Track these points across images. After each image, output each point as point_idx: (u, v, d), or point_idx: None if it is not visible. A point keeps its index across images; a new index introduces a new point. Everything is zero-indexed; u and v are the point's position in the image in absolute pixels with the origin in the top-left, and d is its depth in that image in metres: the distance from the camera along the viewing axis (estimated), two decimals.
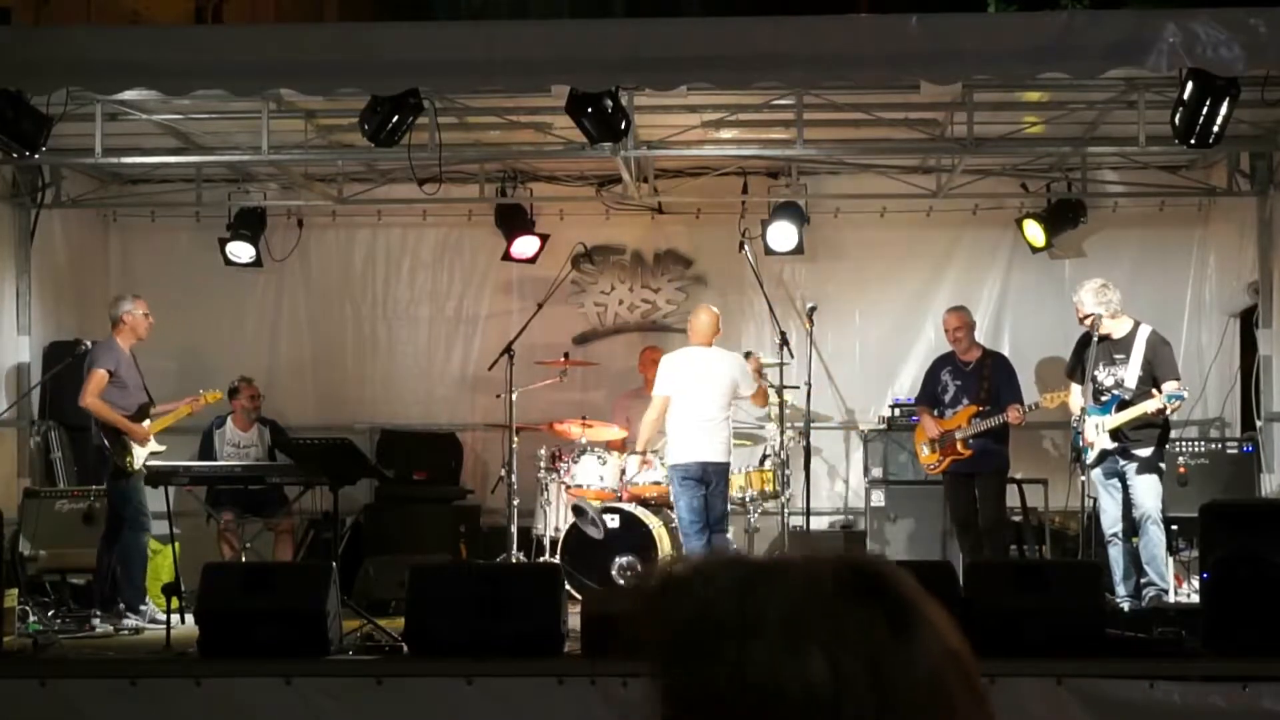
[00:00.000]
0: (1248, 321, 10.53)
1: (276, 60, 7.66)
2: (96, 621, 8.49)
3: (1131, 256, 10.91)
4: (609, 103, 7.68)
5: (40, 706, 6.50)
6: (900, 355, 11.16)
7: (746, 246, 10.17)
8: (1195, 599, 7.99)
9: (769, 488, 9.86)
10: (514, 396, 9.55)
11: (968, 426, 9.27)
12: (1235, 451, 9.84)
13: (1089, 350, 8.48)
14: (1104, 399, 8.36)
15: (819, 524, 10.40)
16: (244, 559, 9.45)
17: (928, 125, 9.39)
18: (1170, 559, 8.54)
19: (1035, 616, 6.58)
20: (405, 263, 11.56)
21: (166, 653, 7.19)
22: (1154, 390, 8.28)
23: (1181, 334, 10.59)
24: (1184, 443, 9.82)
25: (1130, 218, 11.07)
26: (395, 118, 7.70)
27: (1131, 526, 8.31)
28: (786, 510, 9.86)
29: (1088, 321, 8.46)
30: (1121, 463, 8.30)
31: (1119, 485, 8.34)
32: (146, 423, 9.01)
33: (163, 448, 9.09)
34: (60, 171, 10.62)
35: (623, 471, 9.73)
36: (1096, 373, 8.42)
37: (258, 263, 11.04)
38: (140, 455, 8.87)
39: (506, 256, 11.01)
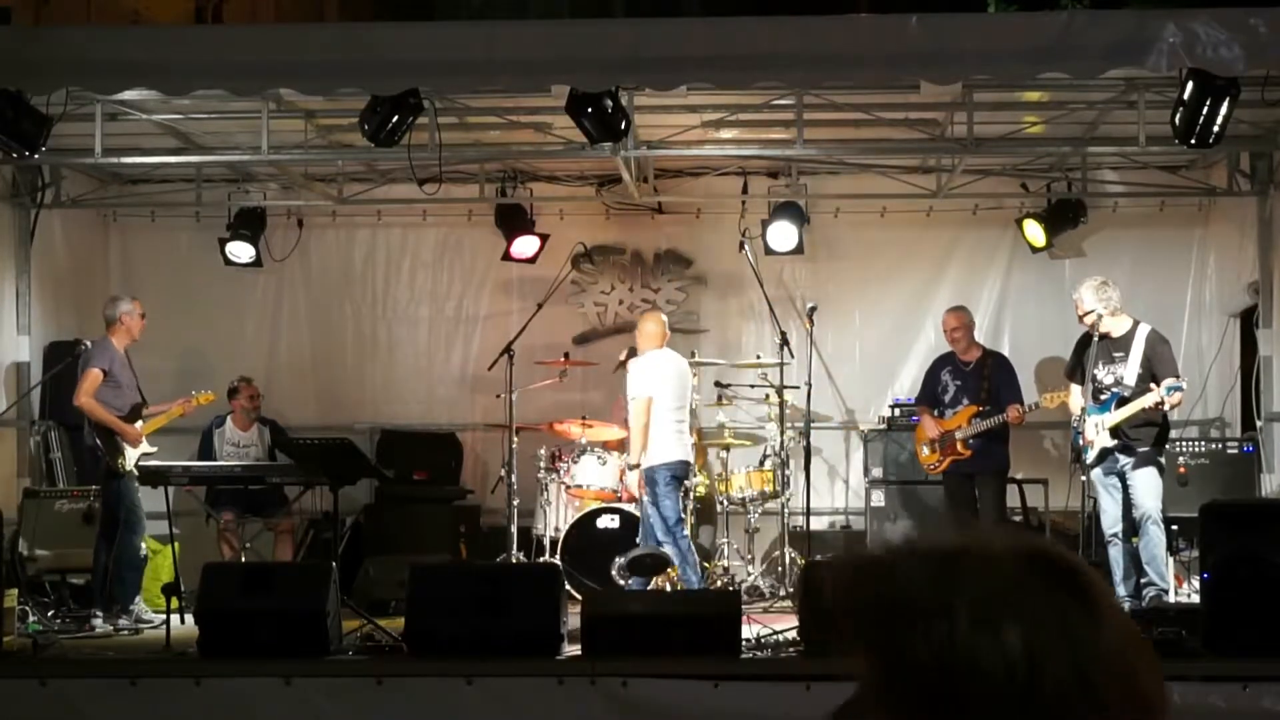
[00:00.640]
0: (1248, 321, 10.53)
1: (276, 60, 7.66)
2: (97, 621, 8.49)
3: (1131, 256, 10.90)
4: (609, 103, 7.68)
5: (40, 706, 6.51)
6: (900, 355, 11.16)
7: (746, 246, 10.17)
8: (1195, 599, 7.99)
9: (769, 488, 9.86)
10: (514, 396, 9.55)
11: (968, 426, 9.27)
12: (1235, 451, 9.85)
13: (1089, 350, 8.48)
14: (1103, 397, 8.36)
15: (819, 524, 10.39)
16: (244, 559, 9.46)
17: (928, 125, 9.39)
18: (1170, 559, 8.54)
19: None
20: (405, 263, 11.56)
21: (166, 653, 7.20)
22: (1153, 388, 8.27)
23: (1181, 334, 10.59)
24: (1184, 443, 9.82)
25: (1130, 218, 11.07)
26: (395, 118, 7.69)
27: (1131, 526, 8.30)
28: (786, 510, 9.88)
29: (1088, 319, 8.46)
30: (1121, 460, 8.29)
31: (1119, 485, 8.34)
32: (139, 423, 9.01)
33: (155, 449, 9.07)
34: (60, 171, 10.62)
35: (623, 472, 9.73)
36: (1096, 371, 8.42)
37: (258, 263, 11.04)
38: (132, 456, 8.86)
39: (506, 256, 11.01)
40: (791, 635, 7.16)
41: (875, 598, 1.23)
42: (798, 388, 9.76)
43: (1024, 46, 7.34)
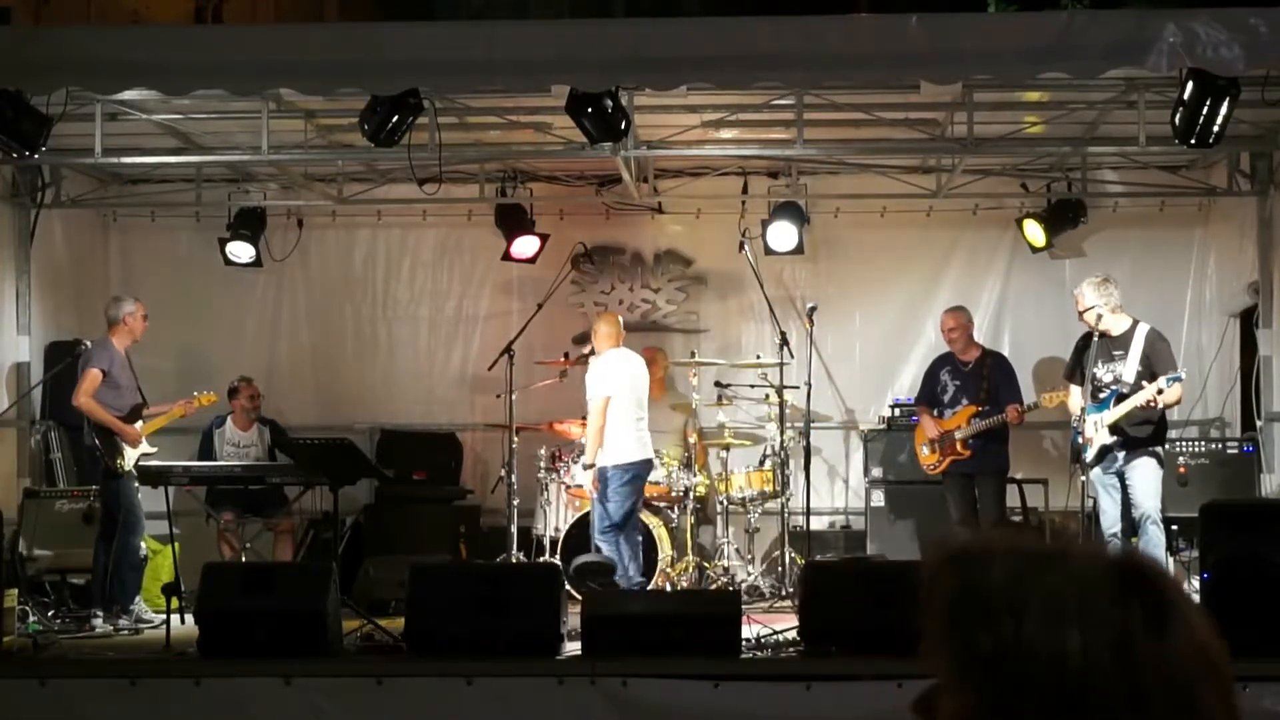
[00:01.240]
0: (1248, 321, 10.53)
1: (276, 60, 7.66)
2: (97, 622, 8.50)
3: (1131, 256, 10.90)
4: (609, 103, 7.68)
5: (40, 706, 6.51)
6: (900, 355, 11.16)
7: (746, 246, 10.17)
8: (1195, 599, 7.99)
9: (769, 488, 9.87)
10: (514, 396, 9.55)
11: (967, 427, 9.28)
12: (1235, 451, 9.85)
13: (1088, 350, 8.48)
14: (1102, 395, 8.36)
15: (819, 524, 10.40)
16: (244, 559, 9.46)
17: (928, 125, 9.38)
18: (1170, 559, 8.54)
19: None
20: (405, 263, 11.56)
21: (166, 653, 7.20)
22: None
23: (1181, 334, 10.59)
24: (1184, 443, 9.83)
25: (1130, 218, 11.06)
26: (395, 118, 7.69)
27: (1131, 526, 8.30)
28: (786, 510, 9.87)
29: (1088, 315, 8.46)
30: (1120, 458, 8.28)
31: (1118, 485, 8.33)
32: (139, 424, 9.01)
33: (154, 449, 9.07)
34: (60, 171, 10.62)
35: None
36: (1095, 370, 8.42)
37: (258, 263, 11.03)
38: (131, 456, 8.86)
39: (506, 256, 11.00)
40: (791, 635, 7.17)
41: (959, 588, 1.27)
42: (798, 388, 9.76)
43: (1024, 46, 7.33)
